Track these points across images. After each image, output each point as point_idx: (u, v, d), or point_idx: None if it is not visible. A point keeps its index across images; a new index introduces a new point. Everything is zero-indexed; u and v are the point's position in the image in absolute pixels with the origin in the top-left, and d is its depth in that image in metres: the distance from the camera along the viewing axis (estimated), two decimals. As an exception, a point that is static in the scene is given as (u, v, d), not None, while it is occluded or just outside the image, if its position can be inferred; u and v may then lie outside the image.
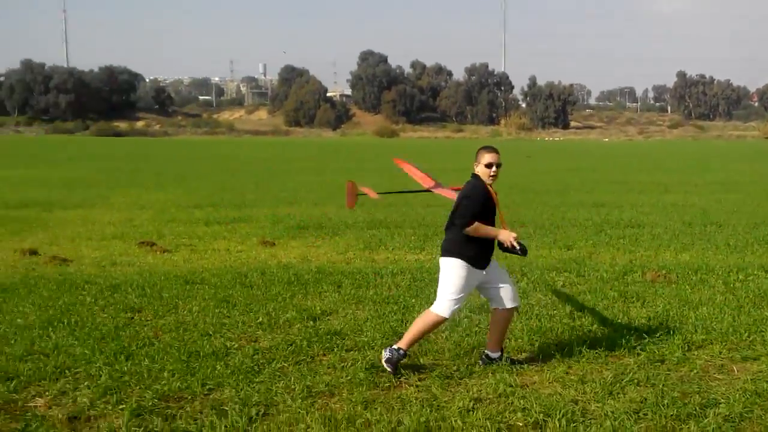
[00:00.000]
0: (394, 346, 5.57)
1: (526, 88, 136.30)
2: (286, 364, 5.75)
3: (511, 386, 5.31)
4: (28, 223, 14.19)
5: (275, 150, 58.28)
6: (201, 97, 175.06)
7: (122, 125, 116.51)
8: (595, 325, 6.96)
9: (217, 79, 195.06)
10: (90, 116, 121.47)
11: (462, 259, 5.54)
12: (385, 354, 5.53)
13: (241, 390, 5.18)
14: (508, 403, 5.02)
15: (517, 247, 5.53)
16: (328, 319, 7.13)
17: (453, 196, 5.95)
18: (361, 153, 52.79)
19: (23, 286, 8.44)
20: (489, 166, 5.60)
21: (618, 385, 5.35)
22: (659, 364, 5.87)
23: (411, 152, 55.07)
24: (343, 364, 5.73)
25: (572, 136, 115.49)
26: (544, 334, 6.59)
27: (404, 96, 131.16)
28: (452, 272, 5.56)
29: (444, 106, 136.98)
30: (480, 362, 5.81)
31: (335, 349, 6.13)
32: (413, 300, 7.89)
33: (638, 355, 6.05)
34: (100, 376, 5.40)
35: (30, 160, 40.01)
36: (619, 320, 7.13)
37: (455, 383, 5.42)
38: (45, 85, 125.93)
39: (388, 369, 5.48)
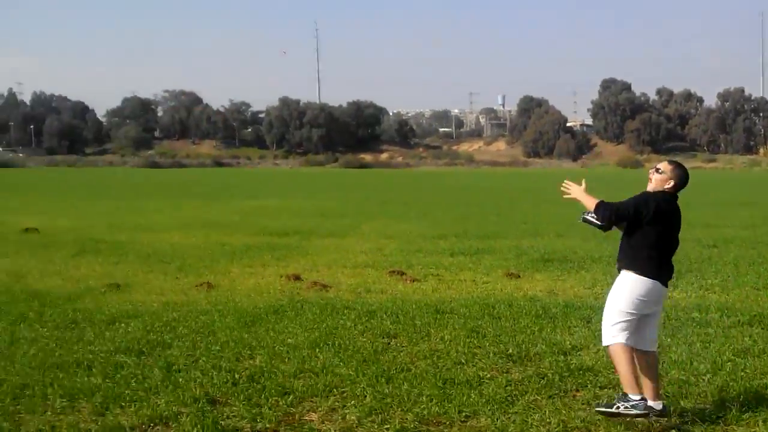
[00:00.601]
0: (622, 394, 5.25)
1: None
2: (539, 397, 5.82)
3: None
4: (290, 250, 15.41)
5: (514, 181, 58.42)
6: (441, 129, 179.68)
7: (367, 157, 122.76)
8: None
9: (456, 110, 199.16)
10: (339, 149, 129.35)
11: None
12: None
13: (497, 419, 5.32)
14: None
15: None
16: (579, 354, 7.09)
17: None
18: (603, 184, 51.43)
19: (291, 309, 9.21)
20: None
21: None
22: None
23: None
24: (597, 402, 5.69)
25: None
26: (819, 384, 6.09)
27: (649, 124, 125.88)
28: None
29: (694, 134, 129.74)
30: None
31: (588, 386, 6.10)
32: (668, 340, 7.62)
33: None
34: (365, 396, 5.80)
35: (286, 191, 43.37)
36: None
37: (721, 430, 5.19)
38: (299, 121, 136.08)
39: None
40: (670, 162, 5.56)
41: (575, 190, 5.59)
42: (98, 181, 59.16)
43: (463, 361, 6.85)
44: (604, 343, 5.32)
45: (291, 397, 5.81)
